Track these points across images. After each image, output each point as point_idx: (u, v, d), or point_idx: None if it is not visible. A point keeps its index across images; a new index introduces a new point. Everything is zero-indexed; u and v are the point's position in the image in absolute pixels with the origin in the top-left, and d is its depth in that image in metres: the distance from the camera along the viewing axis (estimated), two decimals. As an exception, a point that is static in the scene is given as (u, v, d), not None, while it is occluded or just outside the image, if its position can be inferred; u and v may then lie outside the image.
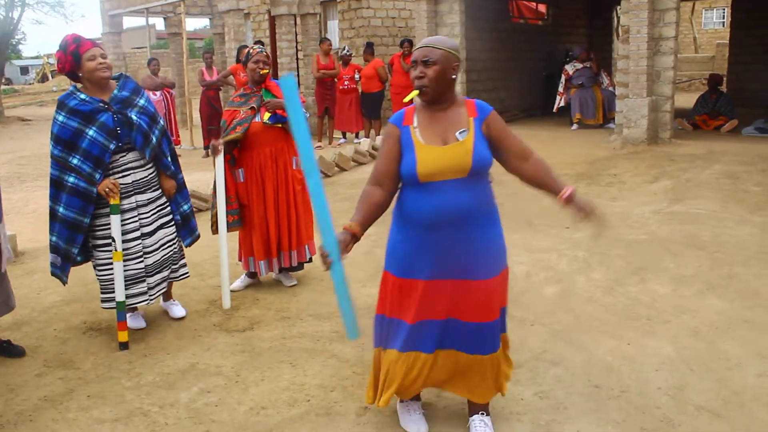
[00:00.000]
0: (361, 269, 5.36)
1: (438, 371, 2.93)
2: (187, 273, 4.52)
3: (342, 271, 2.67)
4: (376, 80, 12.01)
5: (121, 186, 4.02)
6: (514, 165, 2.84)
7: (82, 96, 4.00)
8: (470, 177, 2.70)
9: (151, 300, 4.26)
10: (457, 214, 2.71)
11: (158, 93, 11.93)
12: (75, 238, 4.02)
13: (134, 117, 4.04)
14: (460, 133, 2.72)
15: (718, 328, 4.03)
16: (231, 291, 4.86)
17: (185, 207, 4.44)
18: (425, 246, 2.77)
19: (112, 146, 3.97)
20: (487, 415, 3.03)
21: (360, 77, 11.93)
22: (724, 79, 15.59)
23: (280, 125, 4.74)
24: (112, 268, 4.06)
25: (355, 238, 2.74)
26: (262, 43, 13.93)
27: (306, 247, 5.01)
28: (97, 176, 3.93)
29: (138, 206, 4.12)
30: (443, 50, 2.72)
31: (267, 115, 4.72)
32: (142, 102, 4.17)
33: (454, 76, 2.76)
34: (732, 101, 11.91)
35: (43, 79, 33.59)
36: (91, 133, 3.93)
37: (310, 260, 5.12)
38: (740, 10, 15.73)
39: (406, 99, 2.79)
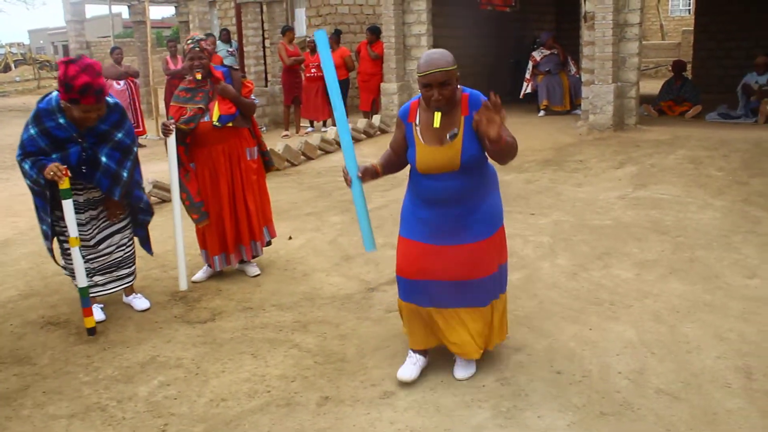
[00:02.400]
0: (326, 258, 5.32)
1: (439, 327, 3.31)
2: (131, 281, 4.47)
3: (360, 190, 3.30)
4: (342, 69, 11.90)
5: (75, 203, 3.94)
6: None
7: (60, 120, 3.82)
8: (462, 170, 3.10)
9: (121, 287, 4.32)
10: (451, 196, 3.14)
11: (122, 82, 11.71)
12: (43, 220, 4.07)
13: (103, 159, 3.94)
14: (450, 135, 3.08)
15: (679, 312, 4.06)
16: (193, 282, 4.82)
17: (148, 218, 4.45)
18: (427, 215, 3.21)
19: (69, 172, 3.83)
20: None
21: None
22: (689, 65, 15.74)
23: (230, 124, 4.63)
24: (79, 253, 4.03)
25: (376, 173, 3.35)
26: (228, 32, 13.76)
27: (265, 230, 4.95)
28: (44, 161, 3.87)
29: (91, 219, 4.15)
30: (451, 69, 3.01)
31: (216, 116, 4.57)
32: (119, 136, 4.02)
33: (457, 81, 3.08)
34: (696, 87, 12.04)
35: (6, 68, 32.86)
36: (55, 156, 3.86)
37: (269, 243, 5.09)
38: (704, -3, 15.88)
39: (436, 125, 3.07)
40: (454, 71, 3.01)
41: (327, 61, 3.37)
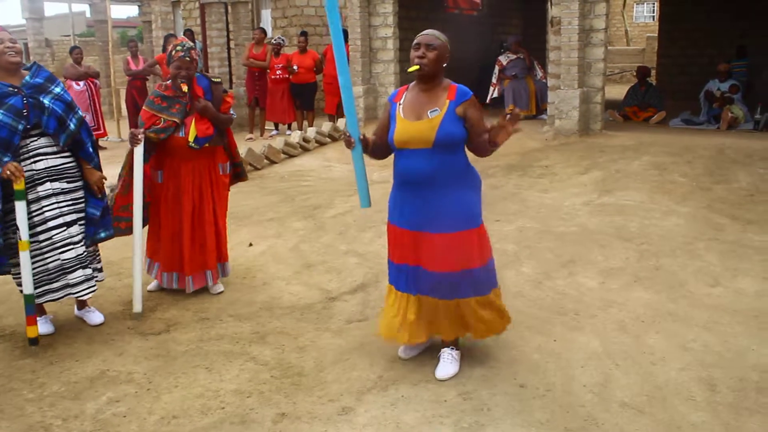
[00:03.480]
0: (287, 266, 5.19)
1: (421, 316, 3.43)
2: (98, 278, 4.27)
3: (360, 151, 3.49)
4: (311, 72, 11.77)
5: (34, 171, 3.83)
6: (473, 141, 3.34)
7: None
8: (436, 148, 3.22)
9: (83, 294, 4.05)
10: (422, 177, 3.27)
11: (81, 83, 11.41)
12: None
13: (47, 101, 3.84)
14: (431, 111, 3.25)
15: (644, 322, 4.02)
16: (148, 291, 4.63)
17: (91, 210, 4.14)
18: (402, 199, 3.38)
19: (20, 127, 3.75)
20: (456, 349, 3.51)
21: (297, 68, 11.53)
22: (653, 71, 15.89)
23: (207, 145, 4.42)
24: (38, 258, 3.89)
25: (367, 143, 3.52)
26: (192, 32, 13.54)
27: (220, 266, 4.68)
28: (6, 159, 3.69)
29: (55, 194, 3.91)
30: (443, 41, 3.32)
31: (192, 136, 4.33)
32: (57, 90, 3.96)
33: (445, 64, 3.33)
34: (660, 93, 12.13)
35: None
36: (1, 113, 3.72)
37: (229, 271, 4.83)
38: (668, 4, 16.03)
39: (410, 70, 3.30)
40: (445, 45, 3.32)
41: (336, 25, 3.47)
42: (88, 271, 4.05)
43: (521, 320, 4.07)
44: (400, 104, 3.39)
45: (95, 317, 4.27)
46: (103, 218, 4.19)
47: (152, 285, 4.74)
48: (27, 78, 3.89)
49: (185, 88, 4.34)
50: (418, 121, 3.28)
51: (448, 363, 3.44)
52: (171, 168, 4.46)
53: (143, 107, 4.53)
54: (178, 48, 4.34)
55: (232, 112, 4.62)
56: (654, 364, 3.51)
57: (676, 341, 3.75)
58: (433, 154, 3.25)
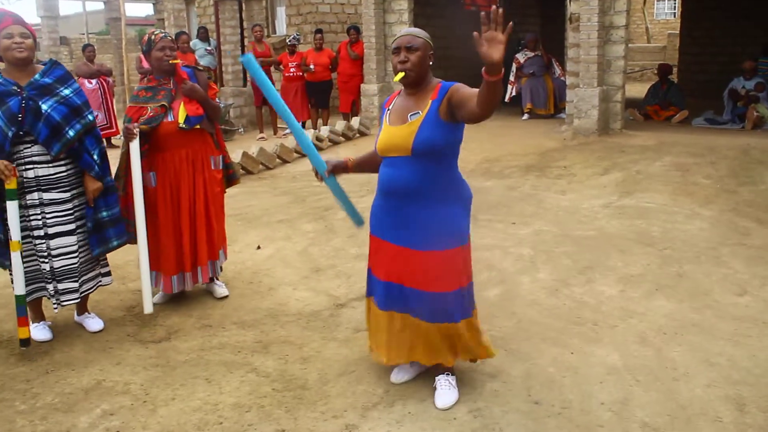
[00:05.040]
0: (295, 270, 5.03)
1: (399, 334, 3.17)
2: (107, 282, 4.16)
3: (334, 180, 3.36)
4: (327, 70, 11.62)
5: (24, 180, 3.70)
6: (469, 105, 2.83)
7: None
8: (414, 156, 2.95)
9: (62, 304, 3.90)
10: (402, 187, 3.01)
11: (94, 81, 11.34)
12: None
13: (44, 107, 3.67)
14: (412, 114, 2.98)
15: (666, 333, 3.81)
16: (153, 304, 4.43)
17: (103, 214, 3.97)
18: (384, 210, 3.13)
19: (10, 133, 3.61)
20: (452, 375, 3.24)
21: (314, 67, 11.36)
22: (675, 69, 15.57)
23: (198, 126, 4.26)
24: (29, 259, 3.80)
25: (346, 168, 3.37)
26: (206, 30, 13.43)
27: (219, 253, 4.50)
28: None
29: (42, 204, 3.77)
30: (423, 39, 3.02)
31: (182, 117, 4.19)
32: (66, 92, 3.79)
33: (431, 63, 3.05)
34: (681, 92, 11.84)
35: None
36: None
37: (220, 270, 4.64)
38: (689, 1, 15.72)
39: (396, 79, 3.03)
40: (426, 42, 3.03)
41: (262, 79, 3.35)
42: (73, 285, 3.91)
43: (536, 331, 3.88)
44: (388, 110, 3.16)
45: (94, 324, 4.13)
46: (115, 226, 4.05)
47: (156, 298, 4.51)
48: (37, 76, 3.74)
49: (174, 62, 4.24)
50: (398, 126, 3.03)
51: (446, 390, 3.17)
52: (164, 162, 4.26)
53: (128, 104, 4.39)
54: (157, 32, 4.29)
55: (219, 101, 4.46)
56: (677, 380, 3.31)
57: (701, 355, 3.55)
58: (413, 162, 2.97)
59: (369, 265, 3.32)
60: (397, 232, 3.08)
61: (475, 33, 2.54)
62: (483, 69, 2.60)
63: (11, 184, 3.58)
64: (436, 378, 3.23)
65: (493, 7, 2.52)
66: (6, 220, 3.69)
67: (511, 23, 2.53)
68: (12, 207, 3.61)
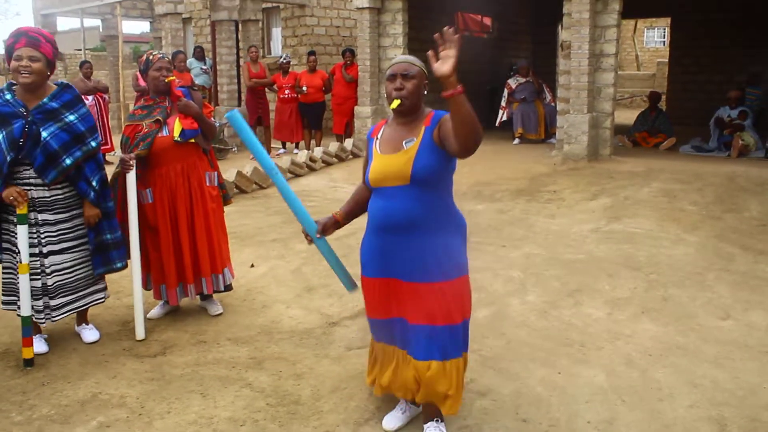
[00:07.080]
0: (288, 289, 5.10)
1: (401, 371, 3.06)
2: (100, 299, 4.22)
3: (325, 243, 3.16)
4: (320, 92, 11.74)
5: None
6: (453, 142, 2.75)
7: (8, 96, 3.77)
8: (413, 185, 2.86)
9: (53, 319, 3.97)
10: (400, 219, 2.90)
11: (90, 98, 11.42)
12: None
13: (44, 134, 3.73)
14: (407, 141, 2.91)
15: (651, 355, 3.91)
16: (148, 319, 4.48)
17: (107, 236, 4.05)
18: (379, 247, 2.99)
19: (9, 157, 3.70)
20: (442, 421, 3.09)
21: (306, 89, 11.48)
22: (663, 97, 15.82)
23: (193, 140, 4.35)
24: (12, 272, 3.89)
25: (337, 224, 3.18)
26: (203, 49, 13.56)
27: (225, 271, 4.57)
28: None
29: (38, 224, 3.86)
30: (419, 68, 2.97)
31: (178, 131, 4.28)
32: (70, 118, 3.83)
33: (425, 92, 3.00)
34: (669, 119, 12.04)
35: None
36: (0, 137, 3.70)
37: (230, 287, 4.69)
38: (678, 30, 16.01)
39: (392, 106, 2.96)
40: (420, 70, 2.97)
41: (249, 137, 3.20)
42: (67, 299, 4.00)
43: (525, 351, 3.97)
44: (377, 139, 3.05)
45: (90, 335, 4.20)
46: (118, 248, 4.13)
47: (154, 312, 4.59)
48: (45, 99, 3.79)
49: (169, 79, 4.30)
50: (393, 154, 2.92)
51: (434, 428, 3.06)
52: (160, 177, 4.33)
53: (125, 123, 4.47)
54: (155, 53, 4.38)
55: (215, 120, 4.56)
56: (661, 400, 3.40)
57: (685, 377, 3.64)
58: (411, 192, 2.87)
59: (368, 314, 3.16)
60: (397, 266, 2.96)
61: (429, 52, 2.60)
62: (439, 78, 2.54)
63: (23, 209, 3.68)
64: (425, 425, 3.09)
65: (447, 27, 2.58)
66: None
67: (458, 35, 2.57)
68: (22, 231, 3.71)
